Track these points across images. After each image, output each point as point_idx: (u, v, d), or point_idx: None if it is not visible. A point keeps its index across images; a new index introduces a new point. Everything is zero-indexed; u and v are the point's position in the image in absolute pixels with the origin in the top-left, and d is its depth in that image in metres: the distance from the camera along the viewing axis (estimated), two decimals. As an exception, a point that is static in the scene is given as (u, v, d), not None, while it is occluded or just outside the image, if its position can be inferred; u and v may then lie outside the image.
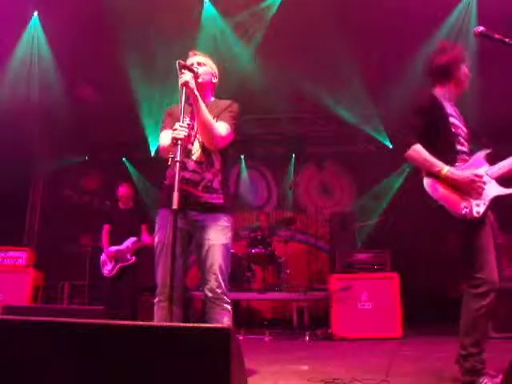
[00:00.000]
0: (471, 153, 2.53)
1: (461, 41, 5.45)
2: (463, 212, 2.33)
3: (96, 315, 2.99)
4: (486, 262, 2.28)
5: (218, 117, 2.44)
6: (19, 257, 5.32)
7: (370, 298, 4.93)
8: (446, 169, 2.39)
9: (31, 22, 5.57)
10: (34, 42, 5.73)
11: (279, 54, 5.64)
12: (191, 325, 1.24)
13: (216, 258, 2.33)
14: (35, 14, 5.52)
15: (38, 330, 1.26)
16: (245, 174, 8.36)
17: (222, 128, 2.38)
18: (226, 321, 2.31)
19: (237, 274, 5.89)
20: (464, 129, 2.57)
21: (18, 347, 1.25)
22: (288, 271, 6.25)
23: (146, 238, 5.08)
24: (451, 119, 2.51)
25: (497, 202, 2.42)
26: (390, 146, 7.43)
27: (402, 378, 2.71)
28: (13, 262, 5.29)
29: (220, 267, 2.33)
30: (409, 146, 2.46)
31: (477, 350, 2.22)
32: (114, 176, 7.52)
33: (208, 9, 5.49)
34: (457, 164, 2.45)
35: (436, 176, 2.40)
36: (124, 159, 8.33)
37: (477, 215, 2.32)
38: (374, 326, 4.78)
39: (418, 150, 2.44)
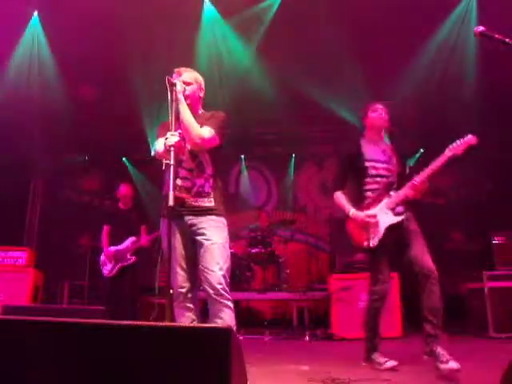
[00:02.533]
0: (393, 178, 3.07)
1: (461, 41, 5.47)
2: (365, 244, 3.02)
3: (96, 315, 2.99)
4: (376, 278, 3.03)
5: (204, 124, 2.59)
6: (19, 257, 5.31)
7: (370, 298, 4.92)
8: (350, 212, 3.08)
9: (31, 22, 5.56)
10: (34, 42, 5.72)
11: (279, 53, 5.64)
12: (191, 325, 1.24)
13: (213, 256, 2.44)
14: (35, 13, 5.51)
15: (38, 330, 1.26)
16: (245, 173, 8.36)
17: (205, 131, 2.53)
18: (227, 317, 2.37)
19: (237, 274, 5.89)
20: (383, 165, 3.08)
21: (18, 347, 1.25)
22: (288, 271, 6.24)
23: (143, 239, 5.07)
24: (367, 163, 3.09)
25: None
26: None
27: (402, 378, 2.71)
28: (13, 261, 5.28)
29: (218, 264, 2.42)
30: (332, 194, 3.23)
31: (370, 333, 3.10)
32: (114, 176, 7.52)
33: (208, 9, 5.49)
34: (367, 202, 3.06)
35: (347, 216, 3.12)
36: (124, 159, 8.33)
37: (372, 246, 3.00)
38: (374, 326, 4.77)
39: (336, 198, 3.20)
